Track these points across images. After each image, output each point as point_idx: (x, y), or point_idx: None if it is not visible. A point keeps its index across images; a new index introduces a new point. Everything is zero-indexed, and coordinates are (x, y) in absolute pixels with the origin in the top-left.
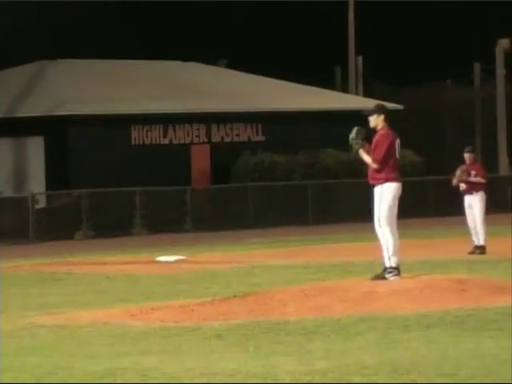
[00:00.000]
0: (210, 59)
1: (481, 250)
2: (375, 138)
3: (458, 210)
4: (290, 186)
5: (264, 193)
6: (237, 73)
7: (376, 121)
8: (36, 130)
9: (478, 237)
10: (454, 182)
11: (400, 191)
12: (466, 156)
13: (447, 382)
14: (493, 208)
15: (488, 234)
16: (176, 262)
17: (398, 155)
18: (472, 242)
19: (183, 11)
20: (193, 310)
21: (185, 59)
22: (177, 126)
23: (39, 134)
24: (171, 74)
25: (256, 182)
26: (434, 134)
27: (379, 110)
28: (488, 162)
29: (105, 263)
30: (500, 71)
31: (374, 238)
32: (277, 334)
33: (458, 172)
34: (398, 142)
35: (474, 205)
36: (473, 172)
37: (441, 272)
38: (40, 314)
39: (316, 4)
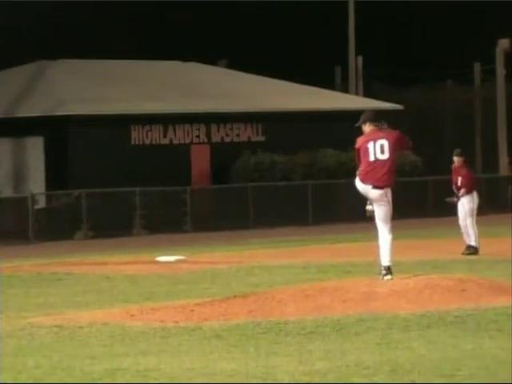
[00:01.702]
0: (210, 59)
1: (471, 250)
2: None
3: (457, 210)
4: (290, 186)
5: (264, 193)
6: (237, 73)
7: (364, 128)
8: (36, 130)
9: (470, 237)
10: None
11: (368, 194)
12: (455, 159)
13: (447, 383)
14: (493, 208)
15: (488, 234)
16: (176, 262)
17: (378, 155)
18: (463, 241)
19: (183, 11)
20: (193, 310)
21: (185, 59)
22: (177, 126)
23: (39, 134)
24: (171, 74)
25: (256, 182)
26: (434, 134)
27: (362, 119)
28: (488, 161)
29: (104, 263)
30: (500, 71)
31: (373, 238)
32: (277, 334)
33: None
34: (380, 142)
35: (464, 205)
36: (459, 178)
37: (441, 272)
38: (39, 314)
39: (316, 4)
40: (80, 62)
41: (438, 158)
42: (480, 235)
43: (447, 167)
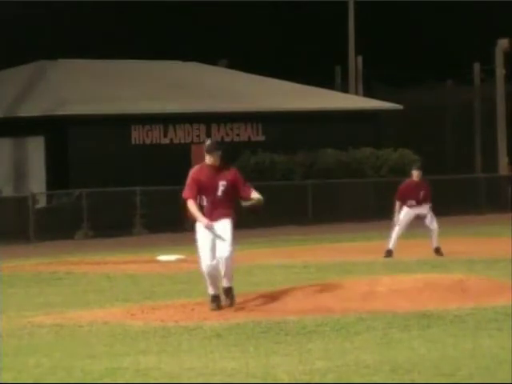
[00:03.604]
0: (210, 59)
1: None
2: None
3: (457, 209)
4: (290, 186)
5: (264, 193)
6: (237, 73)
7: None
8: (36, 130)
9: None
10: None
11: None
12: (415, 173)
13: (446, 382)
14: (493, 208)
15: (488, 234)
16: (176, 261)
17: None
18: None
19: (183, 11)
20: (193, 309)
21: (185, 59)
22: (177, 126)
23: (39, 134)
24: (171, 73)
25: (256, 182)
26: (433, 134)
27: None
28: (488, 161)
29: (105, 263)
30: (500, 71)
31: (373, 237)
32: (277, 333)
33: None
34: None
35: (423, 214)
36: (421, 191)
37: (440, 272)
38: (40, 313)
39: (316, 4)
40: (80, 62)
41: (437, 157)
42: (479, 235)
43: (447, 167)
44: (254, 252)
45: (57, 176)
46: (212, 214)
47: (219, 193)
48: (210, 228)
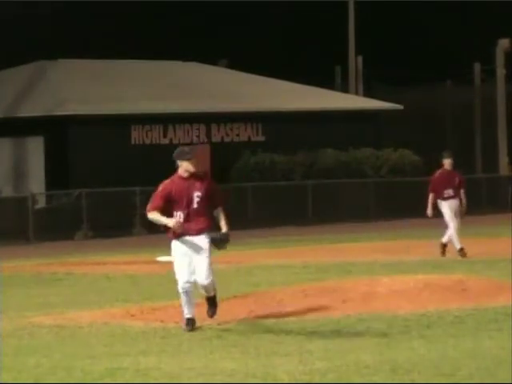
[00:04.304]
0: (210, 59)
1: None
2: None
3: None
4: (290, 186)
5: (264, 193)
6: (237, 73)
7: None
8: (36, 130)
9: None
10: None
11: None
12: (447, 162)
13: (446, 382)
14: (493, 208)
15: (488, 234)
16: None
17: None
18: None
19: (183, 11)
20: None
21: (185, 59)
22: (177, 126)
23: (39, 134)
24: (171, 73)
25: (256, 182)
26: (434, 134)
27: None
28: (488, 161)
29: (105, 263)
30: (500, 71)
31: (373, 238)
32: (277, 333)
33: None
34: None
35: (454, 207)
36: (456, 179)
37: (441, 272)
38: (40, 314)
39: (316, 4)
40: (80, 62)
41: (437, 158)
42: (479, 235)
43: None
44: (253, 252)
45: (56, 176)
46: (188, 228)
47: (195, 205)
48: (179, 226)
